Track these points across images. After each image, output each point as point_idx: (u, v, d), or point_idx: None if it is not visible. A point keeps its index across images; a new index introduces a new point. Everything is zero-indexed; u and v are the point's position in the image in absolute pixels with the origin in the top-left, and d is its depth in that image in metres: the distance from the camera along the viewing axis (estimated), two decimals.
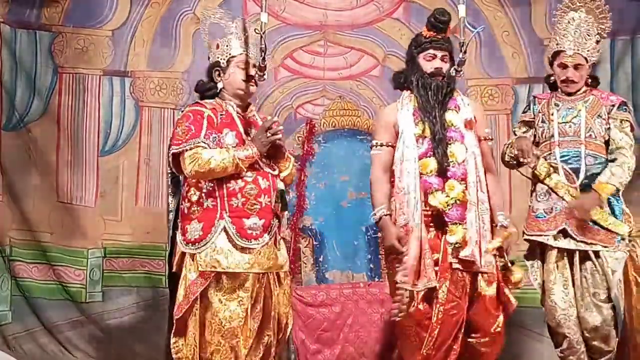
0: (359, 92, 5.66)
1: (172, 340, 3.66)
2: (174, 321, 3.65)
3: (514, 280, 3.81)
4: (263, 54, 3.65)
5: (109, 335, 5.33)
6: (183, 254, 3.70)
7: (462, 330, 3.74)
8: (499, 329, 3.78)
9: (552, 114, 3.98)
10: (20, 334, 5.29)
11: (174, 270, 3.79)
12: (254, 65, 3.76)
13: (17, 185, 5.36)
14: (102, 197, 5.47)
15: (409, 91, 3.96)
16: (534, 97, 4.28)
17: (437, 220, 3.78)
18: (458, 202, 3.74)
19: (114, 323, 5.36)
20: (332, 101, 5.64)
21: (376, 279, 5.33)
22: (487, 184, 3.87)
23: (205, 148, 3.61)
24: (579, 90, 4.01)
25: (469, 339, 3.78)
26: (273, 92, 5.59)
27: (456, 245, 3.71)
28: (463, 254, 3.69)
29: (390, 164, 3.93)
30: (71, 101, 5.49)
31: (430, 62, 3.88)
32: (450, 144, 3.80)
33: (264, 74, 3.73)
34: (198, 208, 3.67)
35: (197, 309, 3.61)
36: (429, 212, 3.78)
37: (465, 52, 3.66)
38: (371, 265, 5.43)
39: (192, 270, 3.63)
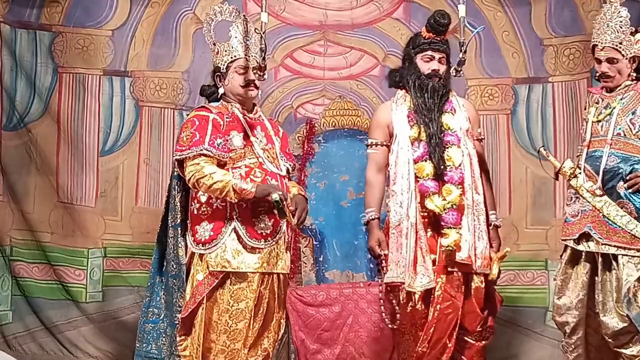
0: (359, 92, 5.65)
1: (179, 338, 3.67)
2: (180, 320, 3.66)
3: (490, 277, 3.81)
4: (263, 53, 3.64)
5: (109, 335, 5.33)
6: (192, 254, 3.71)
7: (457, 328, 3.76)
8: (486, 326, 3.85)
9: (589, 113, 3.89)
10: (20, 333, 5.30)
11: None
12: (254, 68, 3.73)
13: (17, 185, 5.36)
14: (102, 197, 5.47)
15: (404, 90, 3.96)
16: (588, 91, 4.15)
17: (434, 223, 3.79)
18: (454, 206, 3.74)
19: (114, 323, 5.36)
20: (332, 101, 5.64)
21: (376, 279, 5.31)
22: (482, 185, 3.89)
23: (210, 157, 3.61)
24: (619, 86, 3.81)
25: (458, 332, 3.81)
26: (273, 91, 5.59)
27: (449, 249, 3.71)
28: (459, 256, 3.71)
29: (384, 164, 3.95)
30: (71, 101, 5.49)
31: (428, 64, 3.87)
32: (447, 148, 3.80)
33: (264, 74, 3.71)
34: (208, 209, 3.67)
35: (203, 309, 3.61)
36: (426, 214, 3.80)
37: (465, 52, 3.65)
38: (371, 265, 5.42)
39: (200, 270, 3.64)
